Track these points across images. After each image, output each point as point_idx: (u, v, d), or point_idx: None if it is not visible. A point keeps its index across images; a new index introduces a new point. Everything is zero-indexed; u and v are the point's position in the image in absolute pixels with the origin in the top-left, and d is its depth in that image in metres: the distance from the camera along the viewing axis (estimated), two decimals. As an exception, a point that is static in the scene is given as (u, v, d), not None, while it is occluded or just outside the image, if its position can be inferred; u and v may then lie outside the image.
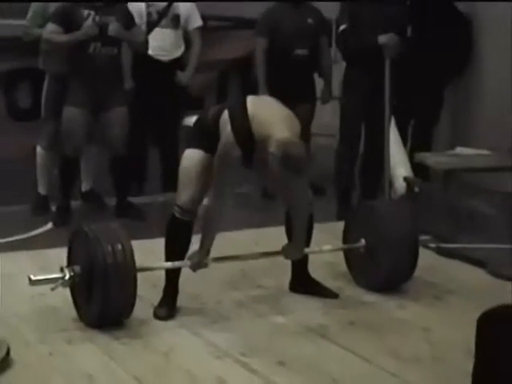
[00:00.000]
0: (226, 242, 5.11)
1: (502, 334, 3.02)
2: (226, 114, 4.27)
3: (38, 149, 6.43)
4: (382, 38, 6.33)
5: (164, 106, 6.84)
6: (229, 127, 4.19)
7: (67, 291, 4.36)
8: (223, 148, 4.22)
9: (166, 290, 4.54)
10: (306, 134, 6.15)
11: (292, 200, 4.50)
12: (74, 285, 4.32)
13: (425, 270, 5.08)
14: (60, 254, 4.59)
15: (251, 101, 4.29)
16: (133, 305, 4.27)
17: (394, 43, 6.35)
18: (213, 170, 4.31)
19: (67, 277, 4.27)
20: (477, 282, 5.04)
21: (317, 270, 4.86)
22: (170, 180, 6.12)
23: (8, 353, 3.86)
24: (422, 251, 5.39)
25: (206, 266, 4.50)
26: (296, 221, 4.53)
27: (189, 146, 4.48)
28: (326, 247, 4.95)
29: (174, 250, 4.52)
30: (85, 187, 6.74)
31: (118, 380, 3.77)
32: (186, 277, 4.56)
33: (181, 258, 4.51)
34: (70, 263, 4.37)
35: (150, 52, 6.79)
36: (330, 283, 4.84)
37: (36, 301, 4.52)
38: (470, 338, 3.11)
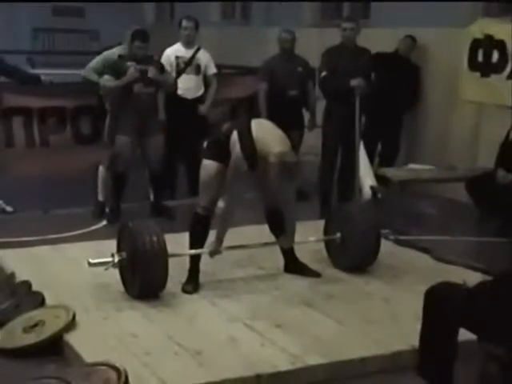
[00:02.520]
0: (236, 234, 5.10)
1: (442, 303, 3.03)
2: (235, 134, 4.26)
3: (100, 168, 6.40)
4: (353, 82, 6.32)
5: (189, 133, 6.85)
6: (238, 146, 4.20)
7: (117, 272, 4.36)
8: (234, 163, 4.22)
9: (190, 270, 4.52)
10: (296, 152, 6.17)
11: (284, 202, 4.48)
12: (121, 266, 4.33)
13: (386, 255, 5.07)
14: (111, 244, 4.60)
15: (254, 124, 4.30)
16: (165, 282, 4.26)
17: (362, 85, 6.35)
18: (226, 179, 4.32)
19: (116, 260, 4.28)
20: (424, 264, 5.01)
21: (305, 256, 4.84)
22: (193, 188, 6.13)
23: (74, 317, 3.87)
24: (383, 242, 5.38)
25: (220, 253, 4.49)
26: (287, 217, 4.51)
27: (206, 157, 4.46)
28: (311, 238, 4.94)
29: (196, 240, 4.51)
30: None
31: (155, 337, 3.77)
32: (206, 261, 4.56)
33: (201, 245, 4.50)
34: (118, 250, 4.38)
35: (178, 92, 6.81)
36: (314, 266, 4.82)
37: (93, 278, 4.51)
38: (419, 306, 3.13)
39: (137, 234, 4.24)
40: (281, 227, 4.62)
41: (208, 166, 4.42)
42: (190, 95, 6.90)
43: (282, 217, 4.59)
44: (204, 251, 4.48)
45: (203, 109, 6.94)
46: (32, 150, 6.64)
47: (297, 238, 4.67)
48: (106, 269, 4.26)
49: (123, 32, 6.39)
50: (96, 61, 6.45)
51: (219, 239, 4.42)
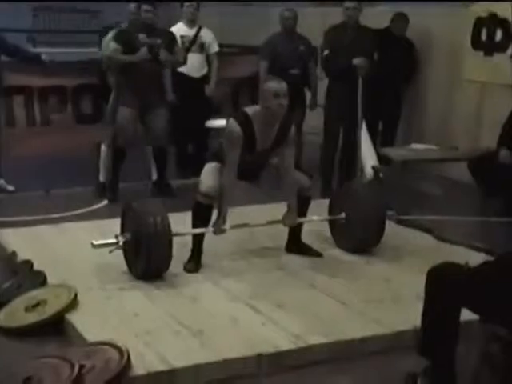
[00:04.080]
0: (238, 215, 5.08)
1: (445, 283, 3.02)
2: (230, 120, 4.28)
3: (102, 147, 6.39)
4: (356, 61, 6.29)
5: (196, 111, 6.83)
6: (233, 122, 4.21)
7: (119, 251, 4.35)
8: (229, 137, 4.22)
9: (193, 250, 4.51)
10: (299, 131, 6.15)
11: (286, 178, 4.45)
12: (125, 247, 4.31)
13: (388, 235, 5.04)
14: (112, 224, 4.59)
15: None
16: (169, 263, 4.25)
17: (364, 64, 6.32)
18: (223, 154, 4.31)
19: (121, 242, 4.26)
20: (426, 245, 5.00)
21: (307, 236, 4.82)
22: (198, 167, 6.10)
23: (75, 296, 3.87)
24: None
25: (224, 231, 4.44)
26: (288, 195, 4.49)
27: (208, 161, 4.49)
28: (315, 217, 4.92)
29: (199, 220, 4.47)
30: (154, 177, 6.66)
31: (158, 317, 3.77)
32: (209, 241, 4.55)
33: (205, 226, 4.46)
34: (122, 231, 4.35)
35: (184, 71, 6.78)
36: (316, 245, 4.81)
37: (95, 258, 4.50)
38: (420, 286, 3.11)
39: (141, 214, 4.22)
40: (301, 210, 4.60)
41: (211, 169, 4.43)
42: (195, 73, 6.90)
43: (307, 202, 4.61)
44: (208, 230, 4.46)
45: (209, 90, 6.95)
46: (33, 129, 6.63)
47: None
48: (111, 251, 4.24)
49: (123, 11, 6.35)
50: (108, 38, 6.39)
51: (221, 217, 4.38)
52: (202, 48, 6.93)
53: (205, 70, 6.98)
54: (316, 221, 4.92)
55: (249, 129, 4.23)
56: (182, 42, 6.81)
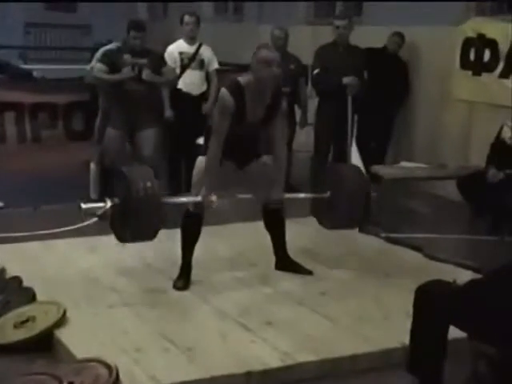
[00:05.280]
0: (227, 231, 5.11)
1: (433, 301, 3.04)
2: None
3: (92, 165, 6.38)
4: (346, 80, 6.36)
5: (193, 129, 6.83)
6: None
7: (108, 267, 4.34)
8: (220, 106, 4.18)
9: (182, 267, 4.50)
10: (288, 149, 6.17)
11: (276, 152, 4.42)
12: (113, 212, 4.22)
13: (377, 253, 5.09)
14: (102, 240, 4.58)
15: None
16: (158, 228, 4.19)
17: (354, 83, 6.37)
18: (212, 122, 4.27)
19: (109, 206, 4.20)
20: (415, 263, 5.01)
21: (297, 253, 4.83)
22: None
23: (64, 313, 3.86)
24: (373, 239, 5.44)
25: (212, 202, 4.28)
26: (276, 167, 4.43)
27: (201, 154, 4.40)
28: (302, 195, 4.95)
29: (188, 237, 4.48)
30: None
31: (147, 334, 3.77)
32: (198, 258, 4.54)
33: (193, 244, 4.47)
34: (111, 195, 4.26)
35: (183, 88, 6.81)
36: (305, 263, 4.79)
37: (84, 274, 4.51)
38: (410, 303, 3.13)
39: (130, 179, 4.16)
40: (277, 226, 4.61)
41: (202, 162, 4.36)
42: (194, 91, 6.91)
43: (280, 215, 4.59)
44: (197, 199, 4.36)
45: (206, 107, 6.96)
46: (23, 146, 6.63)
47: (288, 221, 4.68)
48: (99, 214, 4.21)
49: (115, 27, 6.39)
50: (96, 58, 6.42)
51: (208, 188, 4.27)
52: (202, 65, 6.94)
53: (204, 87, 6.99)
54: (303, 198, 4.95)
55: (240, 98, 4.18)
56: (182, 59, 6.86)
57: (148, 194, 4.10)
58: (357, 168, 5.28)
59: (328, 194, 4.76)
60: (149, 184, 4.13)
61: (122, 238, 4.27)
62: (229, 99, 4.16)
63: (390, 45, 7.31)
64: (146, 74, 6.06)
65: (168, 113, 6.53)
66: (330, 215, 4.80)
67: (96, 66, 6.13)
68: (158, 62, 6.25)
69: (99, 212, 4.21)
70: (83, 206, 4.24)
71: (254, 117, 4.27)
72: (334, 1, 8.93)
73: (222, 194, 4.34)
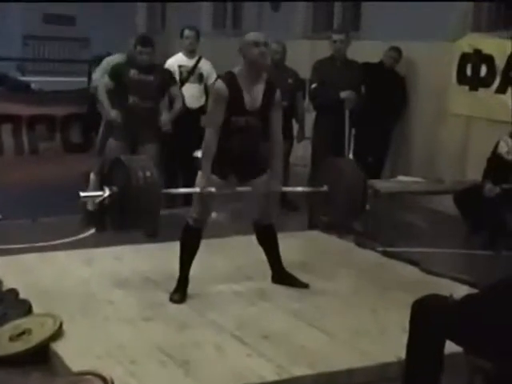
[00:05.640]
0: (223, 245, 5.10)
1: (429, 315, 3.04)
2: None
3: (92, 176, 6.36)
4: (343, 94, 6.39)
5: (191, 142, 6.83)
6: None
7: (105, 279, 4.33)
8: (215, 94, 4.24)
9: (179, 280, 4.50)
10: (285, 163, 6.19)
11: (273, 142, 4.43)
12: (111, 201, 4.22)
13: (374, 267, 5.09)
14: (99, 252, 4.58)
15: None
16: (157, 218, 4.20)
17: (351, 98, 6.40)
18: (207, 110, 4.32)
19: (107, 194, 4.19)
20: (412, 277, 5.01)
21: (293, 266, 4.82)
22: (188, 198, 6.07)
23: (61, 325, 3.86)
24: (370, 253, 5.43)
25: (210, 192, 4.28)
26: (274, 160, 4.44)
27: (198, 167, 4.41)
28: (300, 188, 4.97)
29: (187, 251, 4.48)
30: None
31: (143, 347, 3.76)
32: (195, 271, 4.54)
33: (192, 257, 4.47)
34: (109, 184, 4.26)
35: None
36: (302, 277, 4.79)
37: (81, 287, 4.50)
38: (406, 317, 3.13)
39: (130, 168, 4.16)
40: (269, 241, 4.62)
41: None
42: (193, 104, 6.91)
43: (272, 230, 4.60)
44: (195, 190, 4.36)
45: (204, 120, 6.97)
46: (21, 158, 6.63)
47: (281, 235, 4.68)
48: (97, 201, 4.22)
49: (114, 40, 6.40)
50: (99, 72, 6.41)
51: (205, 174, 4.27)
52: (201, 78, 6.97)
53: (203, 101, 7.00)
54: (301, 192, 4.99)
55: (235, 86, 4.22)
56: (181, 72, 6.89)
57: (148, 183, 4.10)
58: (354, 162, 5.26)
59: (325, 187, 4.74)
60: (148, 173, 4.13)
61: (120, 227, 4.25)
62: (222, 86, 4.22)
63: (387, 59, 7.35)
64: (164, 122, 6.02)
65: (166, 126, 6.49)
66: (327, 209, 4.79)
67: (104, 81, 6.09)
68: (166, 78, 6.15)
69: (99, 200, 4.21)
70: (82, 194, 4.24)
71: (252, 105, 4.28)
72: (332, 9, 8.98)
73: (221, 209, 4.36)
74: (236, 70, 4.31)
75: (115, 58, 6.73)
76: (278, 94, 4.42)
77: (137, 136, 5.98)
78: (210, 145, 4.25)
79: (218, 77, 4.39)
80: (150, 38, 6.14)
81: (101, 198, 4.22)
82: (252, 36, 4.29)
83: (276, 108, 4.41)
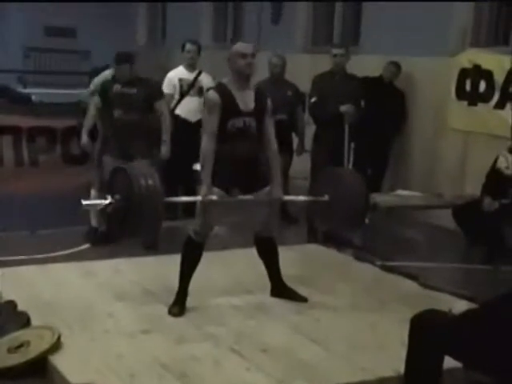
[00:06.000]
0: (223, 258, 5.09)
1: (428, 330, 3.04)
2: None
3: (92, 191, 6.31)
4: (343, 108, 6.40)
5: (190, 155, 6.81)
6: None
7: (103, 292, 4.31)
8: (208, 104, 4.32)
9: (178, 293, 4.50)
10: (285, 176, 6.19)
11: (269, 149, 4.46)
12: (113, 209, 4.22)
13: (373, 281, 5.08)
14: (98, 265, 4.57)
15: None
16: (159, 227, 4.21)
17: (351, 111, 6.42)
18: (202, 119, 4.36)
19: (109, 201, 4.19)
20: (411, 291, 5.01)
21: (292, 280, 4.80)
22: (187, 210, 6.03)
23: (59, 338, 3.85)
24: (369, 267, 5.43)
25: (211, 200, 4.30)
26: (272, 165, 4.47)
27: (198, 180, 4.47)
28: (301, 197, 5.01)
29: (188, 264, 4.47)
30: None
31: (141, 360, 3.75)
32: (194, 284, 4.53)
33: (192, 271, 4.46)
34: (111, 192, 4.25)
35: (181, 114, 6.84)
36: (300, 290, 4.78)
37: (79, 299, 4.49)
38: (405, 332, 3.13)
39: (131, 176, 4.16)
40: (270, 254, 4.62)
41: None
42: (192, 117, 6.91)
43: (273, 243, 4.61)
44: (196, 199, 4.38)
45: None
46: (21, 169, 6.64)
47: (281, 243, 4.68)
48: (99, 208, 4.24)
49: (113, 53, 6.40)
50: (95, 86, 6.43)
51: (206, 182, 4.29)
52: (201, 92, 6.97)
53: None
54: (302, 200, 5.00)
55: (227, 93, 4.34)
56: (181, 86, 6.91)
57: (150, 191, 4.11)
58: (355, 172, 5.27)
59: (326, 197, 4.75)
60: (150, 181, 4.15)
61: (122, 235, 4.25)
62: (213, 94, 4.34)
63: (386, 74, 7.38)
64: (158, 105, 6.01)
65: (164, 150, 6.39)
66: (328, 218, 4.80)
67: (94, 99, 6.12)
68: (152, 91, 6.05)
69: (101, 207, 4.22)
70: (84, 202, 4.25)
71: (246, 107, 4.37)
72: (332, 23, 9.02)
73: (223, 222, 4.36)
74: (225, 80, 4.43)
75: (105, 75, 6.74)
76: (269, 101, 4.50)
77: (129, 151, 5.82)
78: (208, 151, 4.29)
79: (209, 88, 4.52)
80: (126, 54, 6.06)
81: (103, 206, 4.23)
82: (239, 47, 4.40)
83: (268, 115, 4.49)
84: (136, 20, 13.29)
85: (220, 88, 4.38)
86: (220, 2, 11.20)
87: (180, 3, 11.51)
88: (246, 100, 4.38)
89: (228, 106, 4.30)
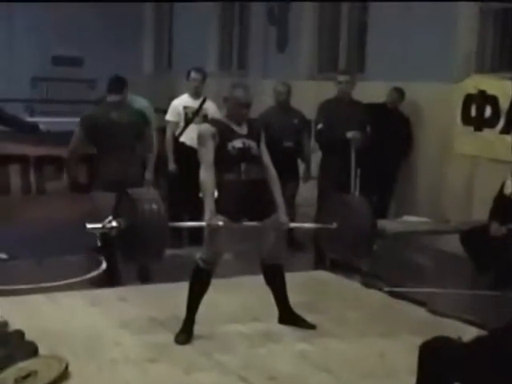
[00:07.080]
0: (230, 285, 5.07)
1: (437, 357, 3.02)
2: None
3: None
4: (349, 134, 6.42)
5: (195, 183, 6.80)
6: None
7: (111, 320, 4.30)
8: (201, 136, 4.41)
9: (185, 321, 4.48)
10: (291, 203, 6.20)
11: (268, 174, 4.52)
12: (117, 233, 4.24)
13: (381, 308, 5.06)
14: (105, 293, 4.56)
15: None
16: (163, 250, 4.22)
17: (358, 138, 6.43)
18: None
19: (114, 225, 4.22)
20: (419, 318, 4.98)
21: (300, 307, 4.79)
22: (193, 237, 6.01)
23: (67, 367, 3.83)
24: (377, 293, 5.40)
25: (217, 225, 4.28)
26: (274, 190, 4.50)
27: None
28: (307, 224, 5.06)
29: (196, 291, 4.47)
30: None
31: (149, 390, 3.75)
32: (201, 311, 4.52)
33: (200, 298, 4.45)
34: (116, 216, 4.28)
35: (186, 141, 6.89)
36: (309, 317, 4.77)
37: (87, 328, 4.48)
38: (414, 359, 3.10)
39: (136, 200, 4.19)
40: (277, 281, 4.61)
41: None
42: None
43: (280, 270, 4.60)
44: (201, 224, 4.37)
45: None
46: (28, 198, 6.66)
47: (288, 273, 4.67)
48: (103, 231, 4.27)
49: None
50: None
51: (208, 209, 4.28)
52: (206, 120, 7.01)
53: None
54: (309, 227, 5.06)
55: (220, 122, 4.50)
56: (186, 113, 6.96)
57: (154, 216, 4.13)
58: (363, 199, 5.29)
59: (334, 224, 4.75)
60: (155, 206, 4.16)
61: (127, 259, 4.26)
62: (205, 126, 4.48)
63: (389, 99, 7.41)
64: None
65: (171, 165, 6.54)
66: (337, 246, 4.80)
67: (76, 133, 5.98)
68: (139, 120, 5.89)
69: (105, 231, 4.25)
70: (88, 225, 4.27)
71: (241, 130, 4.49)
72: (337, 50, 9.07)
73: (230, 249, 4.37)
74: (218, 116, 4.64)
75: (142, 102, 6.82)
76: (261, 130, 4.62)
77: (121, 181, 5.34)
78: (207, 181, 4.33)
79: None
80: (117, 80, 5.98)
81: (107, 229, 4.24)
82: (239, 95, 4.47)
83: (263, 141, 4.58)
84: (142, 49, 13.40)
85: (213, 121, 4.61)
86: (226, 26, 11.27)
87: (186, 30, 11.61)
88: (240, 124, 4.52)
89: (224, 130, 4.42)
